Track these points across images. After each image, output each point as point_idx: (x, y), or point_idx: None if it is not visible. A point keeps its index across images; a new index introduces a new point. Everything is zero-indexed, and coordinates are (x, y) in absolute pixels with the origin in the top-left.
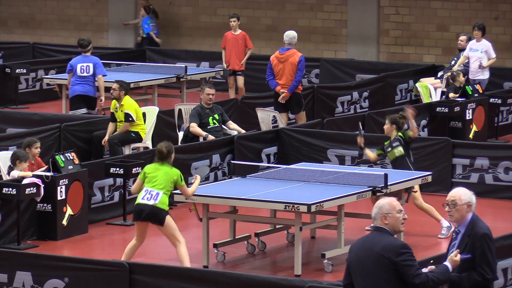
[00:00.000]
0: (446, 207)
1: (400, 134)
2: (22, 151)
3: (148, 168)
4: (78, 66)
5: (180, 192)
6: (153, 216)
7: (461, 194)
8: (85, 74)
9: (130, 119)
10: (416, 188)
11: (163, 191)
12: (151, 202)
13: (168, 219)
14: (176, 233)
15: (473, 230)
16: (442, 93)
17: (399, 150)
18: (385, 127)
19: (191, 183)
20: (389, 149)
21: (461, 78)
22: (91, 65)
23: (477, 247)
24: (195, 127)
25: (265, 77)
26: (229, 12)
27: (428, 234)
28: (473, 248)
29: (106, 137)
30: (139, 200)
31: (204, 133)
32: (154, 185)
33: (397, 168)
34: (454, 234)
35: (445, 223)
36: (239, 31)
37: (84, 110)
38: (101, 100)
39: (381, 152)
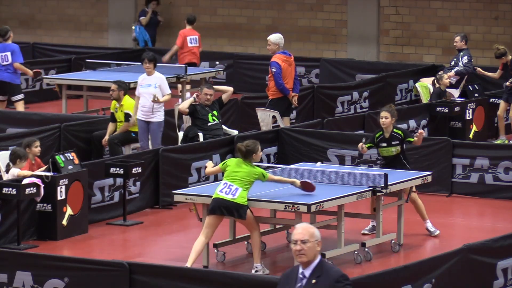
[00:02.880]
0: (295, 245)
1: (398, 131)
2: (22, 149)
3: (232, 161)
4: (1, 54)
5: (178, 193)
6: (234, 210)
7: (312, 231)
8: (4, 63)
9: (130, 119)
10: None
11: (242, 188)
12: (229, 197)
13: (249, 212)
14: (255, 223)
15: (326, 272)
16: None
17: (397, 149)
18: (386, 121)
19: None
20: (384, 144)
21: (445, 81)
22: (9, 53)
23: None
24: (181, 104)
25: (265, 78)
26: (229, 12)
27: (428, 234)
28: None
29: (106, 137)
30: (217, 192)
31: (192, 98)
32: (233, 180)
33: (390, 164)
34: (299, 281)
35: (429, 223)
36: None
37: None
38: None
39: (371, 145)
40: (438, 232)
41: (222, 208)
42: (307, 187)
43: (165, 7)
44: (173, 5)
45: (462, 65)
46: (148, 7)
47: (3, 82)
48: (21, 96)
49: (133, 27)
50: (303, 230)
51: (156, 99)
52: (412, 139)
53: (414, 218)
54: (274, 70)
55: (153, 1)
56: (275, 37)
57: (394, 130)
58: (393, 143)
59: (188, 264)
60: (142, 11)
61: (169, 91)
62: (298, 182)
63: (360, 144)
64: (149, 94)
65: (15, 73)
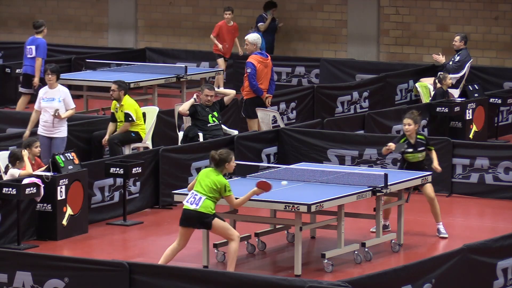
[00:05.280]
0: None
1: (421, 137)
2: (19, 150)
3: (203, 171)
4: (27, 47)
5: (178, 192)
6: (198, 222)
7: None
8: (29, 56)
9: (130, 119)
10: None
11: (207, 197)
12: (193, 207)
13: (215, 221)
14: (227, 231)
15: None
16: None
17: (423, 155)
18: (410, 127)
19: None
20: (410, 150)
21: (448, 81)
22: (33, 47)
23: None
24: (182, 106)
25: None
26: None
27: (428, 234)
28: None
29: (107, 137)
30: (184, 203)
31: (192, 99)
32: (198, 189)
33: (413, 169)
34: None
35: (441, 225)
36: (232, 23)
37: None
38: (34, 81)
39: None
40: (446, 235)
41: (187, 220)
42: (264, 187)
43: (282, 12)
44: (172, 5)
45: (451, 63)
46: (268, 13)
47: (28, 75)
48: (31, 91)
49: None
50: None
51: (57, 114)
52: (432, 148)
53: (414, 218)
54: (248, 71)
55: (273, 8)
56: (253, 37)
57: (418, 136)
58: (419, 149)
59: None
60: (259, 16)
61: (73, 106)
62: (256, 189)
63: (386, 148)
64: (52, 108)
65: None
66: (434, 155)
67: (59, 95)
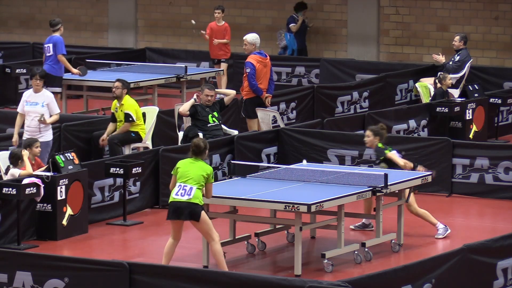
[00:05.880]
0: None
1: (380, 145)
2: (19, 150)
3: (181, 163)
4: (45, 46)
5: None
6: (189, 212)
7: None
8: (47, 54)
9: (130, 119)
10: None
11: (196, 186)
12: (185, 198)
13: (204, 214)
14: (211, 229)
15: None
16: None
17: (384, 166)
18: (367, 139)
19: None
20: (377, 161)
21: (448, 82)
22: (51, 45)
23: None
24: (182, 107)
25: None
26: (229, 12)
27: (428, 234)
28: None
29: (105, 136)
30: (173, 196)
31: (192, 100)
32: (186, 180)
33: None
34: None
35: (440, 225)
36: (222, 22)
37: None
38: (74, 73)
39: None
40: (441, 236)
41: (177, 212)
42: None
43: (282, 12)
44: (172, 5)
45: (451, 63)
46: (299, 14)
47: (48, 75)
48: (57, 89)
49: (283, 34)
50: None
51: (43, 119)
52: (387, 153)
53: (414, 218)
54: (248, 70)
55: (305, 9)
56: (252, 37)
57: (379, 145)
58: (376, 161)
59: None
60: (290, 17)
61: (58, 111)
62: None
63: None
64: (36, 113)
65: (55, 65)
66: (393, 157)
67: (42, 100)
